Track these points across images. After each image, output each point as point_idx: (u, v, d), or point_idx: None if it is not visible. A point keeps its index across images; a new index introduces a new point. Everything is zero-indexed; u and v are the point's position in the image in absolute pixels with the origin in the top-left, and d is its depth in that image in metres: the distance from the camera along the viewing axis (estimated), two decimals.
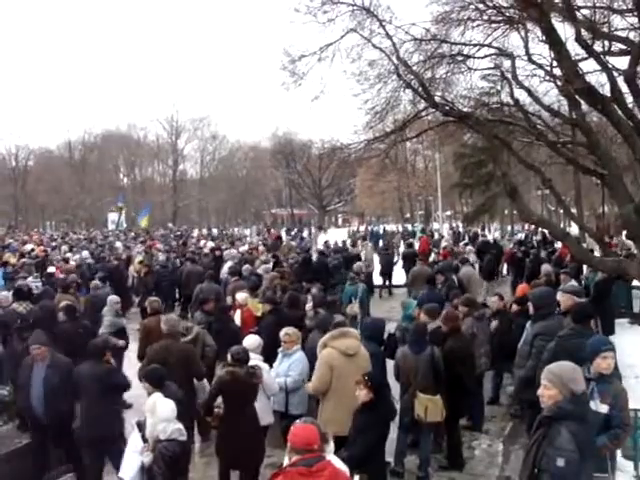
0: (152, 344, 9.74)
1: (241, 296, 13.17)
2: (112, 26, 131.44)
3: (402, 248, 32.77)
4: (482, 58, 16.73)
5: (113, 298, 13.49)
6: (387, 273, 25.97)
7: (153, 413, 6.90)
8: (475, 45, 16.51)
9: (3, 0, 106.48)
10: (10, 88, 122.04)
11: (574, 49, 13.63)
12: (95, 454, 8.30)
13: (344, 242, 33.70)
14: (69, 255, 23.42)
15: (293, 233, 47.67)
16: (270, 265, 18.87)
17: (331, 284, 19.09)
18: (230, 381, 7.88)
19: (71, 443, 8.74)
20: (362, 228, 57.41)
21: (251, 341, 9.01)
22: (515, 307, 11.95)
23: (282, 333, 9.34)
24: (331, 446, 5.67)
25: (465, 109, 16.68)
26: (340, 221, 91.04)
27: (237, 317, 12.56)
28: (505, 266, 28.16)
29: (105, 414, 8.17)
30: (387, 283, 26.10)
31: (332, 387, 8.31)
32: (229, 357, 8.15)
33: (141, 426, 7.14)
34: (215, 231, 47.26)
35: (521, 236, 40.45)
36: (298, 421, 5.52)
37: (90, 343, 8.96)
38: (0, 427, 10.34)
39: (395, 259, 27.61)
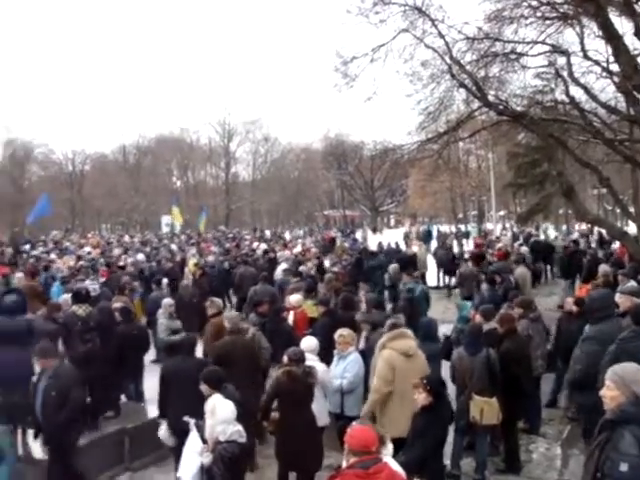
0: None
1: (295, 298, 13.19)
2: (165, 31, 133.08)
3: (456, 249, 32.53)
4: (536, 56, 16.56)
5: (167, 301, 13.62)
6: (449, 271, 26.03)
7: (213, 414, 6.94)
8: (529, 43, 16.35)
9: (56, 7, 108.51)
10: (66, 95, 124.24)
11: (633, 44, 13.40)
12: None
13: (397, 243, 33.56)
14: (124, 257, 23.72)
15: (347, 234, 47.57)
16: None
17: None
18: (287, 382, 7.89)
19: (68, 459, 8.65)
20: (414, 229, 57.06)
21: (308, 343, 9.04)
22: (575, 308, 11.70)
23: (337, 335, 9.35)
24: (389, 448, 5.64)
25: (519, 108, 16.52)
26: (392, 222, 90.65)
27: (290, 319, 12.60)
28: (554, 267, 27.73)
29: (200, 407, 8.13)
30: (447, 282, 26.15)
31: (394, 388, 8.29)
32: (285, 358, 8.18)
33: (200, 427, 7.20)
34: (268, 233, 47.39)
35: (576, 236, 39.81)
36: (355, 423, 5.51)
37: (181, 339, 9.50)
38: None
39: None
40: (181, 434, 7.96)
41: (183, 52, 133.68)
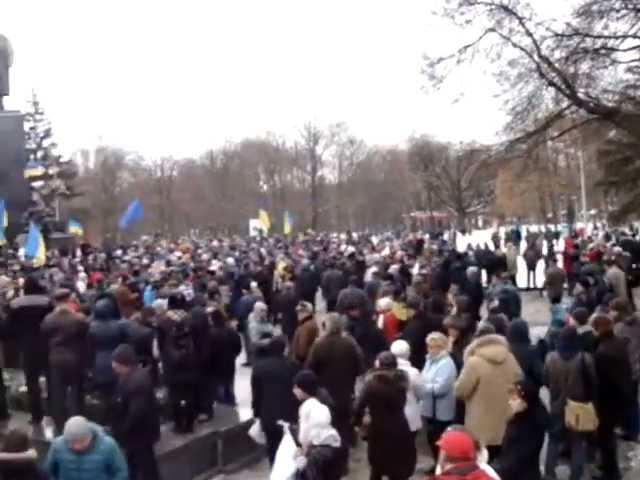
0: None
1: (384, 301, 13.14)
2: (252, 35, 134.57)
3: (545, 250, 31.89)
4: (627, 50, 16.14)
5: (259, 305, 13.74)
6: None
7: (307, 418, 6.98)
8: (620, 37, 15.94)
9: (144, 17, 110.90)
10: (155, 103, 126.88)
11: None
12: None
13: (486, 244, 33.12)
14: (214, 262, 24.01)
15: (434, 236, 47.16)
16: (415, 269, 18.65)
17: None
18: (379, 386, 7.88)
19: (142, 467, 8.76)
20: (502, 230, 56.21)
21: (399, 347, 9.01)
22: None
23: (428, 338, 9.30)
24: (484, 454, 5.57)
25: (610, 104, 16.13)
26: (480, 223, 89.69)
27: (380, 322, 12.58)
28: None
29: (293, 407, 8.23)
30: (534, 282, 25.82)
31: (479, 395, 8.20)
32: (377, 362, 8.17)
33: (293, 431, 7.25)
34: (355, 235, 47.32)
35: None
36: (450, 428, 5.46)
37: (272, 341, 9.83)
38: None
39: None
40: (273, 434, 8.13)
41: (270, 56, 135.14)
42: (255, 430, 9.19)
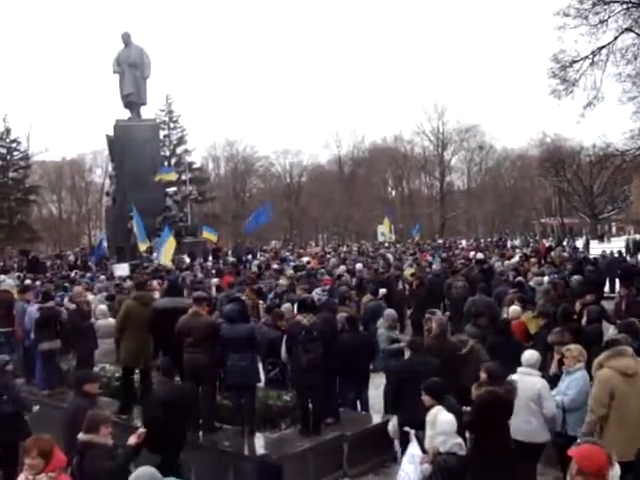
0: None
1: (514, 309, 12.91)
2: (375, 40, 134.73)
3: None
4: None
5: (389, 312, 13.72)
6: None
7: (434, 425, 6.95)
8: None
9: (263, 24, 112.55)
10: (284, 109, 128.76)
11: None
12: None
13: (620, 252, 31.99)
14: (342, 267, 24.16)
15: (565, 243, 45.91)
16: (545, 278, 18.17)
17: None
18: (491, 401, 7.67)
19: None
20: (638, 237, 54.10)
21: (529, 357, 8.81)
22: None
23: (564, 349, 9.06)
24: (616, 470, 5.38)
25: None
26: (614, 229, 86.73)
27: None
28: None
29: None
30: None
31: (613, 408, 7.90)
32: (483, 375, 7.96)
33: (419, 437, 7.22)
34: (483, 242, 46.66)
35: None
36: (582, 442, 5.30)
37: (410, 340, 10.09)
38: (283, 430, 10.84)
39: None
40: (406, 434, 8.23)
41: (397, 61, 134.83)
42: (392, 427, 9.49)
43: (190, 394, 9.99)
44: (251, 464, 9.83)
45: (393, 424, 9.50)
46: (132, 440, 7.22)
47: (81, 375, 9.47)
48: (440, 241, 48.68)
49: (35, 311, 14.18)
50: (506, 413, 7.66)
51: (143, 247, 29.09)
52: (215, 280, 21.61)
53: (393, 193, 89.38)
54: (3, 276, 19.44)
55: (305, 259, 28.81)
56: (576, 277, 17.86)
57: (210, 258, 32.12)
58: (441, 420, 6.92)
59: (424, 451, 7.06)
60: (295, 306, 13.29)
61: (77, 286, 17.03)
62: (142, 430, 7.37)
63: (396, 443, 10.24)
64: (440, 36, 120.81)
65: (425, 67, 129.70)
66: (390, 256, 30.04)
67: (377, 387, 12.24)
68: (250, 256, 34.15)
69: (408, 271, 23.15)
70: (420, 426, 7.56)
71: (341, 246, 46.01)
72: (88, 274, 26.38)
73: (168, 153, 66.90)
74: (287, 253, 34.90)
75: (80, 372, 10.07)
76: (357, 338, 11.82)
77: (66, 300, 14.10)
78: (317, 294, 16.78)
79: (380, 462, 10.64)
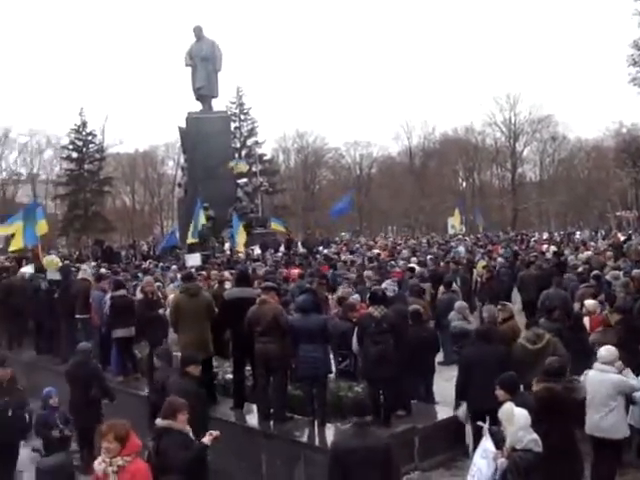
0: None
1: (590, 303, 12.65)
2: (445, 31, 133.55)
3: None
4: None
5: (461, 304, 13.61)
6: None
7: (509, 421, 6.83)
8: None
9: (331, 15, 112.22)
10: (353, 99, 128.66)
11: None
12: None
13: None
14: (413, 259, 24.01)
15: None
16: (620, 272, 17.70)
17: None
18: (546, 397, 7.51)
19: None
20: None
21: (606, 352, 8.61)
22: None
23: None
24: None
25: None
26: None
27: (587, 325, 12.10)
28: None
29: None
30: None
31: None
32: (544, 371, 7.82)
33: (493, 432, 7.11)
34: (557, 235, 45.78)
35: None
36: None
37: (481, 329, 10.63)
38: None
39: None
40: (477, 417, 8.37)
41: (468, 51, 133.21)
42: (462, 412, 9.92)
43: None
44: (322, 455, 9.89)
45: (463, 409, 9.87)
46: (206, 440, 7.30)
47: (185, 356, 9.69)
48: (512, 233, 47.94)
49: (109, 299, 14.50)
50: (565, 411, 7.51)
51: (190, 241, 29.18)
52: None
53: (464, 185, 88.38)
54: (85, 265, 19.88)
55: (375, 251, 28.68)
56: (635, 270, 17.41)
57: (281, 249, 32.24)
58: (517, 415, 6.79)
59: (497, 446, 6.94)
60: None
61: (148, 276, 17.30)
62: (217, 433, 7.44)
63: (468, 437, 10.19)
64: (514, 24, 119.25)
65: (497, 56, 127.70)
66: (462, 249, 29.71)
67: (448, 380, 12.13)
68: (321, 247, 34.17)
69: (480, 264, 22.88)
70: (487, 413, 7.54)
71: (409, 239, 45.71)
72: (160, 264, 26.77)
73: (239, 145, 67.37)
74: (357, 245, 34.82)
75: (185, 354, 10.30)
76: (421, 332, 11.79)
77: (138, 290, 14.36)
78: (387, 286, 16.72)
79: (451, 456, 10.58)
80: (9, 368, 9.32)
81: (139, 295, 14.02)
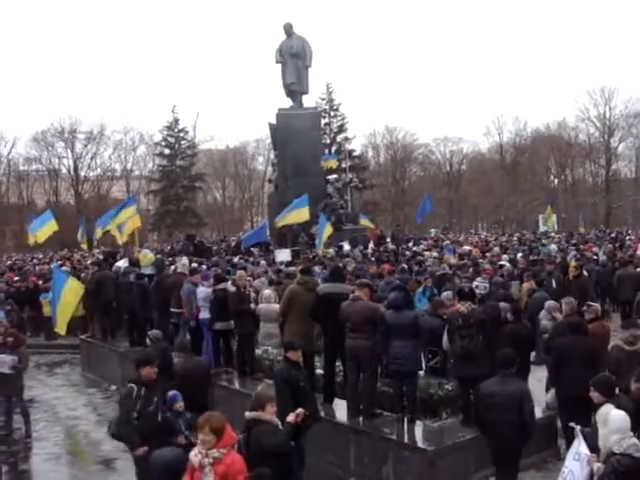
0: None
1: None
2: (526, 21, 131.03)
3: None
4: None
5: (552, 303, 13.40)
6: None
7: (605, 424, 6.67)
8: None
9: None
10: (443, 97, 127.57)
11: None
12: None
13: None
14: (504, 257, 23.69)
15: None
16: None
17: None
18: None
19: None
20: None
21: None
22: None
23: None
24: None
25: None
26: None
27: None
28: None
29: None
30: None
31: None
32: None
33: (586, 434, 6.97)
34: None
35: None
36: None
37: (574, 321, 10.56)
38: (444, 420, 10.78)
39: None
40: (565, 403, 9.50)
41: (559, 44, 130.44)
42: (550, 397, 10.46)
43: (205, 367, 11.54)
44: (410, 452, 9.88)
45: (551, 394, 10.40)
46: (291, 418, 7.43)
47: (286, 343, 9.86)
48: (608, 231, 46.82)
49: (205, 292, 14.75)
50: None
51: (278, 224, 29.39)
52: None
53: (556, 181, 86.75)
54: (184, 259, 20.29)
55: (466, 248, 28.41)
56: None
57: (371, 245, 32.21)
58: (613, 417, 6.60)
59: (591, 450, 6.80)
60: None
61: (240, 270, 17.51)
62: (301, 410, 7.55)
63: (560, 439, 10.04)
64: (610, 15, 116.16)
65: (591, 49, 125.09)
66: (554, 247, 29.16)
67: (539, 380, 11.95)
68: (410, 244, 34.02)
69: (573, 263, 22.42)
70: (575, 402, 7.80)
71: (500, 235, 45.12)
72: (251, 259, 27.07)
73: (328, 141, 67.61)
74: (447, 241, 34.54)
75: (285, 340, 10.67)
76: (520, 329, 11.61)
77: (229, 283, 14.56)
78: (478, 283, 16.57)
79: (543, 458, 10.46)
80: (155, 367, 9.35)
81: (231, 289, 14.21)
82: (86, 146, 78.52)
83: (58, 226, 30.99)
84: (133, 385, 9.01)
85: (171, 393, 9.43)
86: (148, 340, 12.48)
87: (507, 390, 8.32)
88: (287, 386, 8.57)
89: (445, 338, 10.80)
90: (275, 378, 9.10)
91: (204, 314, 14.78)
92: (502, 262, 21.26)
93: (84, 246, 36.97)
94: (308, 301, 11.73)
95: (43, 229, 30.09)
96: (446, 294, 13.64)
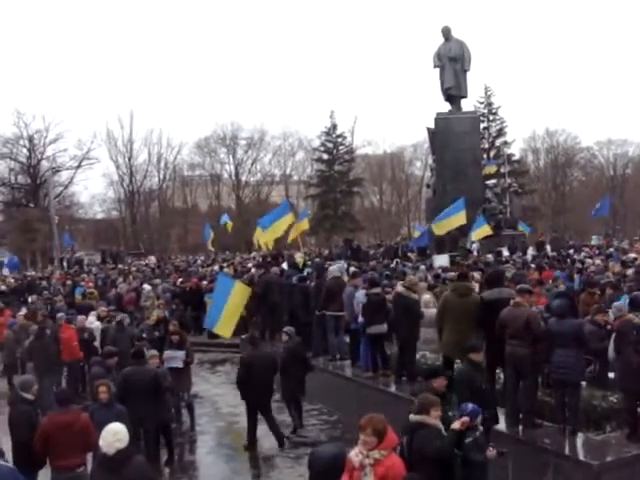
0: None
1: None
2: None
3: None
4: None
5: None
6: None
7: None
8: None
9: None
10: (606, 97, 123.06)
11: None
12: None
13: None
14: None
15: None
16: None
17: None
18: None
19: None
20: None
21: None
22: None
23: None
24: None
25: None
26: None
27: None
28: None
29: None
30: None
31: None
32: None
33: None
34: None
35: None
36: None
37: None
38: (608, 433, 10.42)
39: None
40: None
41: None
42: None
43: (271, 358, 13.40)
44: (573, 465, 9.59)
45: None
46: (456, 425, 7.40)
47: (467, 345, 9.97)
48: None
49: (362, 296, 14.90)
50: None
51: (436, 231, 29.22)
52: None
53: None
54: (342, 262, 20.71)
55: (632, 255, 27.27)
56: None
57: (530, 251, 31.58)
58: None
59: None
60: None
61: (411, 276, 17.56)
62: (466, 419, 7.50)
63: None
64: None
65: None
66: None
67: None
68: (572, 251, 33.04)
69: None
70: None
71: None
72: (409, 264, 27.08)
73: (487, 145, 66.76)
74: (612, 249, 33.28)
75: (467, 342, 10.56)
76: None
77: (399, 287, 14.67)
78: None
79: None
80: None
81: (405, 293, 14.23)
82: (247, 152, 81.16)
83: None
84: None
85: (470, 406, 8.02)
86: (285, 335, 14.38)
87: None
88: (467, 388, 8.60)
89: (611, 348, 10.44)
90: (455, 379, 9.29)
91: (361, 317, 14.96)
92: None
93: (211, 248, 41.87)
94: (460, 307, 11.68)
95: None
96: (618, 304, 13.13)
